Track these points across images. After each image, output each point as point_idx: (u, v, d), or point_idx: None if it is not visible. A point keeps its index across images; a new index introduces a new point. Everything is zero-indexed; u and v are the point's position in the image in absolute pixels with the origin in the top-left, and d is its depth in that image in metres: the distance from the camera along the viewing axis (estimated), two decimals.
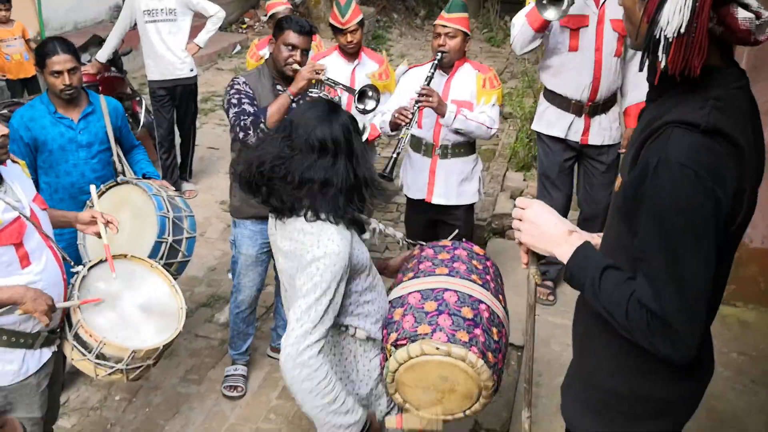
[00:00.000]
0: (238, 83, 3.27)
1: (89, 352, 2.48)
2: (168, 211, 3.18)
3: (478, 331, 2.07)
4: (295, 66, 3.22)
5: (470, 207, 3.97)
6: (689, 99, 1.50)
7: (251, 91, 3.25)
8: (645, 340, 1.53)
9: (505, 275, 3.80)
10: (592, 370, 1.79)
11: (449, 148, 3.69)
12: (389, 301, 2.27)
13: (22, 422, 2.49)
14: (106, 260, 2.71)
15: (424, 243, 2.56)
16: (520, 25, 3.71)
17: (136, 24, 5.56)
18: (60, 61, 3.12)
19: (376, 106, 3.72)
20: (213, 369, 3.90)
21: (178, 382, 3.80)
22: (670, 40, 1.41)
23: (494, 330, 2.13)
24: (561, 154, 4.04)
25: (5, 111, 4.49)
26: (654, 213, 1.49)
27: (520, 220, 1.78)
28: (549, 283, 4.27)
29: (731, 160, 1.47)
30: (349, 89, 3.76)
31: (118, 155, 3.42)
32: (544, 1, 3.51)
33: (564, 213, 4.04)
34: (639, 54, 1.53)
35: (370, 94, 3.69)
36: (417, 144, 3.74)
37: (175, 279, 2.91)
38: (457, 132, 3.58)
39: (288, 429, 3.48)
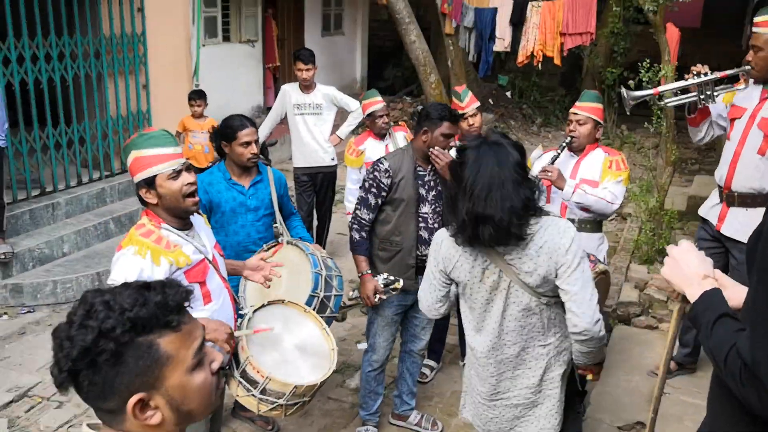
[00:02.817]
0: (379, 169, 3.58)
1: (255, 388, 2.72)
2: (321, 269, 3.50)
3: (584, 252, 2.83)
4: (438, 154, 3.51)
5: None
6: None
7: (387, 181, 3.55)
8: (737, 389, 1.56)
9: (630, 360, 3.84)
10: (717, 417, 1.82)
11: (575, 222, 3.81)
12: None
13: None
14: (268, 304, 3.02)
15: None
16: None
17: (284, 117, 6.19)
18: (249, 133, 3.60)
19: None
20: (344, 429, 4.08)
21: None
22: None
23: None
24: (701, 230, 4.10)
25: None
26: (761, 270, 1.53)
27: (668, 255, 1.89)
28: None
29: None
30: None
31: (280, 220, 3.82)
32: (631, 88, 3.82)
33: None
34: None
35: None
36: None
37: None
38: (580, 208, 3.77)
39: None
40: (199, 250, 2.67)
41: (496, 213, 2.36)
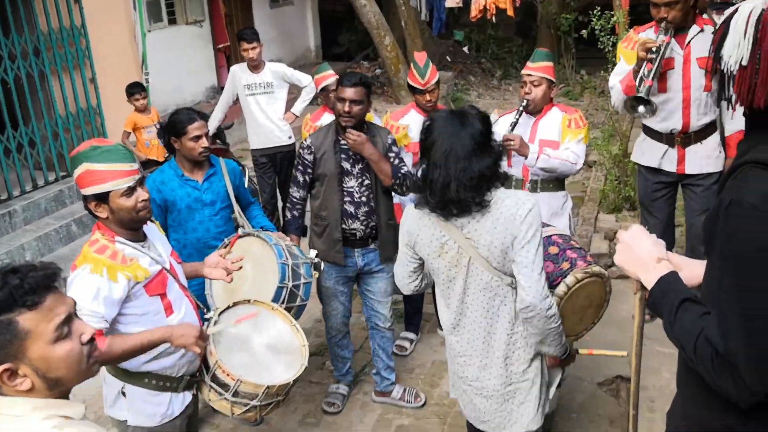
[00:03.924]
0: (303, 146, 3.70)
1: (227, 392, 2.66)
2: (287, 258, 3.42)
3: (584, 252, 2.79)
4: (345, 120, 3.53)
5: None
6: None
7: (309, 158, 3.66)
8: (709, 377, 1.53)
9: (606, 313, 3.80)
10: (689, 401, 1.79)
11: (538, 183, 3.82)
12: None
13: None
14: (233, 306, 2.96)
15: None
16: (618, 92, 3.97)
17: (237, 99, 6.05)
18: (199, 126, 3.49)
19: None
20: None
21: (297, 426, 3.98)
22: (734, 72, 1.48)
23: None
24: (654, 184, 4.19)
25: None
26: (725, 252, 1.49)
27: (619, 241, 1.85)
28: None
29: None
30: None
31: (238, 211, 3.73)
32: (633, 104, 3.83)
33: (664, 239, 4.08)
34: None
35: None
36: (507, 181, 3.88)
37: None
38: (543, 170, 3.73)
39: None
40: (156, 261, 2.58)
41: (452, 182, 2.36)
